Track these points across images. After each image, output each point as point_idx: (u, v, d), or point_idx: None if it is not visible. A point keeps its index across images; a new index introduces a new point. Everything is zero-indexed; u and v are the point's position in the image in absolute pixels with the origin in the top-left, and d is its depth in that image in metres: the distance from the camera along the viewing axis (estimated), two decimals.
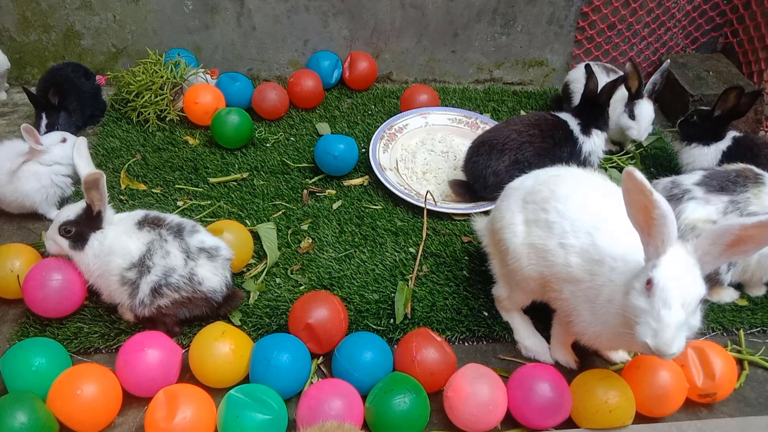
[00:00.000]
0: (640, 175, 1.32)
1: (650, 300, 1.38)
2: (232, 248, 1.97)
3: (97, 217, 1.86)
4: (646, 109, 2.66)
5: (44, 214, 2.35)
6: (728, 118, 2.42)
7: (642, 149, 2.89)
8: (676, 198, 2.06)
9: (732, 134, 2.48)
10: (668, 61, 2.69)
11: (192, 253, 1.85)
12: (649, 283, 1.39)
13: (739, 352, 1.99)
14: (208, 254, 1.87)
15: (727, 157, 2.43)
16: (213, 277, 1.87)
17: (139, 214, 1.92)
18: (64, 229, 1.87)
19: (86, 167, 1.89)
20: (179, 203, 2.43)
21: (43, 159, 2.27)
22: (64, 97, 2.66)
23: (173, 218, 1.93)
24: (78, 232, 1.86)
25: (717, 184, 2.05)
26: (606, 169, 2.74)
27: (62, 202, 2.40)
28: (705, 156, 2.48)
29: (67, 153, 2.33)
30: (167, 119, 2.84)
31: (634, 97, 2.66)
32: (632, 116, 2.67)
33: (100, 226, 1.87)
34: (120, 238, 1.85)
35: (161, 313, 1.86)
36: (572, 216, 1.68)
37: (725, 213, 1.99)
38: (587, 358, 1.96)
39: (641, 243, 1.46)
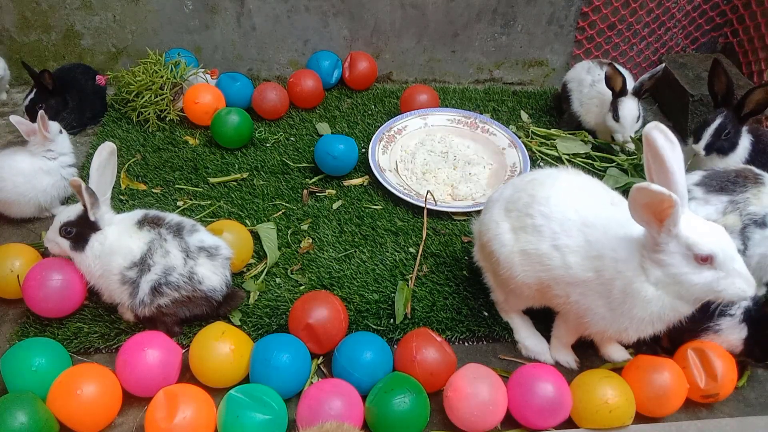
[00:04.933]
0: (656, 187, 1.38)
1: (719, 268, 1.47)
2: (232, 248, 1.97)
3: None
4: (628, 108, 2.66)
5: (50, 211, 2.36)
6: (753, 114, 2.35)
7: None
8: None
9: (744, 128, 2.43)
10: (663, 65, 2.68)
11: (191, 252, 1.85)
12: (706, 259, 1.46)
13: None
14: (208, 253, 1.88)
15: (754, 147, 2.40)
16: (213, 276, 1.87)
17: (138, 213, 1.92)
18: (65, 230, 1.87)
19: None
20: (179, 203, 2.43)
21: (48, 154, 2.28)
22: (70, 95, 2.71)
23: (173, 217, 1.93)
24: (79, 232, 1.87)
25: (716, 184, 2.04)
26: (605, 169, 2.74)
27: (65, 200, 2.41)
28: (737, 156, 2.41)
29: (67, 143, 2.37)
30: (167, 119, 2.84)
31: (618, 95, 2.68)
32: (616, 117, 2.69)
33: (99, 227, 1.87)
34: (121, 238, 1.85)
35: (161, 313, 1.86)
36: (559, 216, 1.68)
37: (725, 213, 1.99)
38: (587, 358, 1.96)
39: (648, 230, 1.50)
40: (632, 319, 1.59)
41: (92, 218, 1.85)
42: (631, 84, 2.71)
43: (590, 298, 1.64)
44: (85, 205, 1.83)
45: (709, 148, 2.41)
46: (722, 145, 2.39)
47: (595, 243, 1.61)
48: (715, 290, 1.50)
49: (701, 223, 1.50)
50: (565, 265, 1.65)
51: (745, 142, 2.40)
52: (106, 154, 1.85)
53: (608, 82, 2.66)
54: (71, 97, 2.73)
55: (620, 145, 2.89)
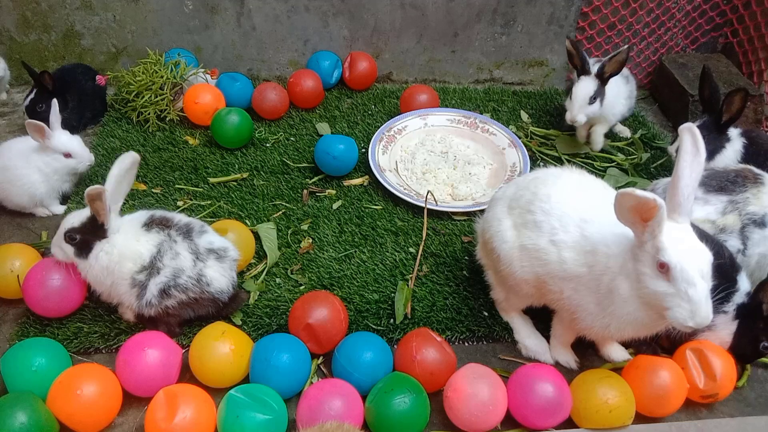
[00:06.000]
0: (641, 193, 1.38)
1: (672, 283, 1.44)
2: (235, 248, 1.96)
3: (102, 226, 1.81)
4: (581, 87, 2.56)
5: (47, 207, 2.36)
6: (734, 121, 2.36)
7: (639, 152, 2.88)
8: None
9: (736, 131, 2.43)
10: (627, 47, 2.51)
11: (201, 254, 1.84)
12: (663, 266, 1.44)
13: None
14: (217, 255, 1.87)
15: (747, 150, 2.39)
16: (221, 278, 1.86)
17: (144, 215, 1.89)
18: (69, 236, 1.81)
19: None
20: (179, 203, 2.43)
21: (54, 155, 2.27)
22: (70, 95, 2.70)
23: (181, 218, 1.91)
24: (83, 240, 1.80)
25: (716, 184, 2.04)
26: (605, 169, 2.74)
27: (64, 198, 2.41)
28: (726, 159, 2.39)
29: (63, 140, 2.29)
30: (167, 119, 2.84)
31: (579, 74, 2.60)
32: (569, 94, 2.63)
33: (105, 235, 1.81)
34: (129, 243, 1.82)
35: (167, 314, 1.85)
36: (558, 212, 1.70)
37: (724, 213, 1.99)
38: (587, 358, 1.96)
39: (634, 231, 1.50)
40: (612, 316, 1.60)
41: (106, 226, 1.80)
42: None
43: (581, 293, 1.66)
44: (101, 212, 1.77)
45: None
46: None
47: (591, 238, 1.62)
48: (663, 304, 1.47)
49: (688, 238, 1.47)
50: (560, 259, 1.67)
51: (736, 145, 2.39)
52: (128, 163, 1.78)
53: (569, 59, 2.61)
54: (71, 97, 2.73)
55: (574, 127, 2.78)
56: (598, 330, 1.68)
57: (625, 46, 2.50)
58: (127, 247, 1.81)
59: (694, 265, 1.42)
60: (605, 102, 2.61)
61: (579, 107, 2.56)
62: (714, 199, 2.01)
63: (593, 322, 1.66)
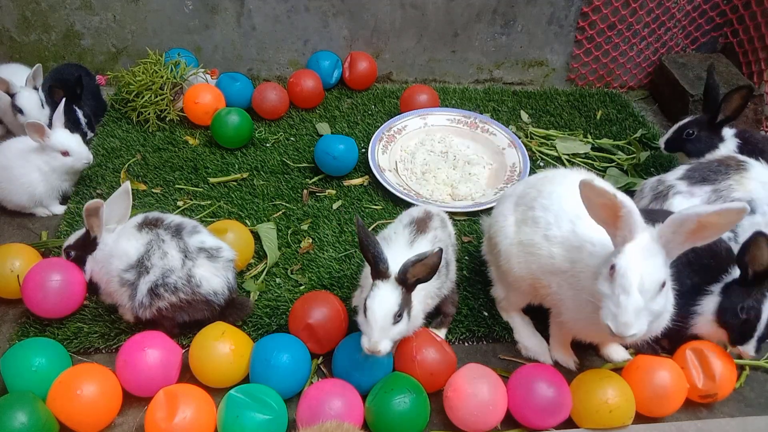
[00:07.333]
0: (599, 183, 1.39)
1: (612, 285, 1.44)
2: (234, 248, 1.96)
3: (94, 241, 1.90)
4: (379, 301, 1.53)
5: (47, 207, 2.37)
6: (729, 120, 2.36)
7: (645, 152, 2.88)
8: (662, 195, 2.06)
9: (731, 132, 2.43)
10: (438, 249, 1.48)
11: (190, 252, 1.82)
12: (612, 268, 1.44)
13: (740, 357, 1.97)
14: (208, 254, 1.85)
15: (742, 149, 2.37)
16: (213, 278, 1.84)
17: (140, 217, 1.91)
18: (67, 253, 1.94)
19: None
20: (179, 203, 2.43)
21: (54, 154, 2.27)
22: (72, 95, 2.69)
23: (173, 218, 1.91)
24: (78, 255, 1.93)
25: (699, 175, 2.05)
26: (605, 169, 2.74)
27: (64, 198, 2.42)
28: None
29: (61, 138, 2.26)
30: (167, 119, 2.84)
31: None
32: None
33: (95, 248, 1.91)
34: (119, 242, 1.84)
35: (161, 316, 1.84)
36: (556, 208, 1.72)
37: (709, 203, 1.99)
38: (587, 358, 1.96)
39: (608, 234, 1.50)
40: (579, 312, 1.61)
41: (98, 240, 1.91)
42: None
43: (564, 288, 1.68)
44: (96, 227, 1.88)
45: (669, 145, 2.45)
46: (685, 146, 2.40)
47: (581, 235, 1.64)
48: (599, 303, 1.46)
49: (651, 249, 1.43)
50: (550, 254, 1.69)
51: (730, 145, 2.40)
52: (122, 190, 1.91)
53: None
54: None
55: None
56: (571, 326, 1.70)
57: (437, 248, 1.52)
58: (117, 246, 1.85)
59: (637, 276, 1.41)
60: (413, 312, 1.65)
61: (381, 331, 1.53)
62: (698, 191, 2.02)
63: (568, 317, 1.68)
